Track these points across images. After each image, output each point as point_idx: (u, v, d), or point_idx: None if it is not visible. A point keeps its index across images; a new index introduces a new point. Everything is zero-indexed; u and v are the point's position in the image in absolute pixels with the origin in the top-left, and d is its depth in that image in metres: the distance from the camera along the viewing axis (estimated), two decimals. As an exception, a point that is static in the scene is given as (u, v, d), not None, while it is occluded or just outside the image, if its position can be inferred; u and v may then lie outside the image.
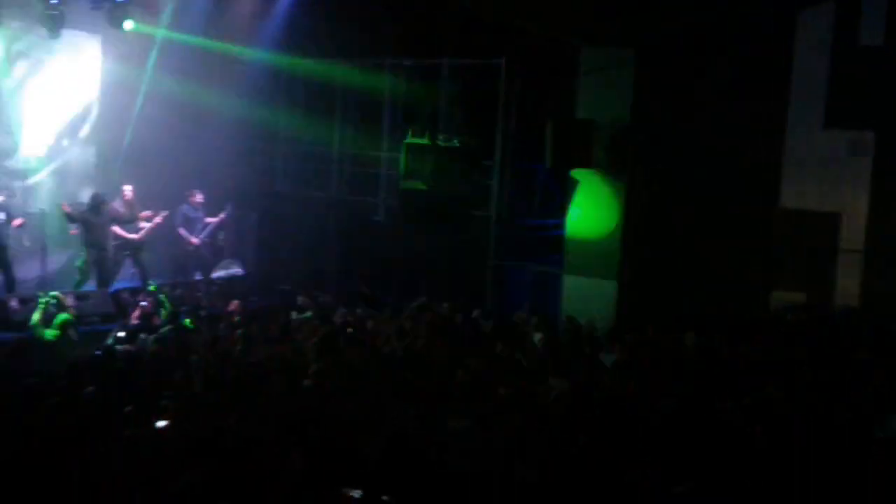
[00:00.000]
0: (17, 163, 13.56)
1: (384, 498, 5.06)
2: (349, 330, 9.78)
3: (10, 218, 11.77)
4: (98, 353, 8.89)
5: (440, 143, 12.89)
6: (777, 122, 11.71)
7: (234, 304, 11.22)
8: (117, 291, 11.83)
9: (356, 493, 5.05)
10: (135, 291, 11.73)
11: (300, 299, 11.34)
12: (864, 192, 11.33)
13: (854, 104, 11.36)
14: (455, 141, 13.16)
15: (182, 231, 13.54)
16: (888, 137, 11.25)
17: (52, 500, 5.28)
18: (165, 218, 12.98)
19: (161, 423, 6.66)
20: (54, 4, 12.00)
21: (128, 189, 12.70)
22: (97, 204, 12.19)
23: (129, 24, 12.69)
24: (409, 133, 13.61)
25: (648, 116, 11.50)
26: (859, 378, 7.45)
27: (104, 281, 12.07)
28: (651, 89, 11.55)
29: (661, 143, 11.62)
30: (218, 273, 13.64)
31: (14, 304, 10.71)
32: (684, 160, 11.48)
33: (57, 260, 12.70)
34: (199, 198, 13.73)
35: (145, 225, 12.75)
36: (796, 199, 11.66)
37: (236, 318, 10.46)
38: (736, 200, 11.41)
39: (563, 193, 12.88)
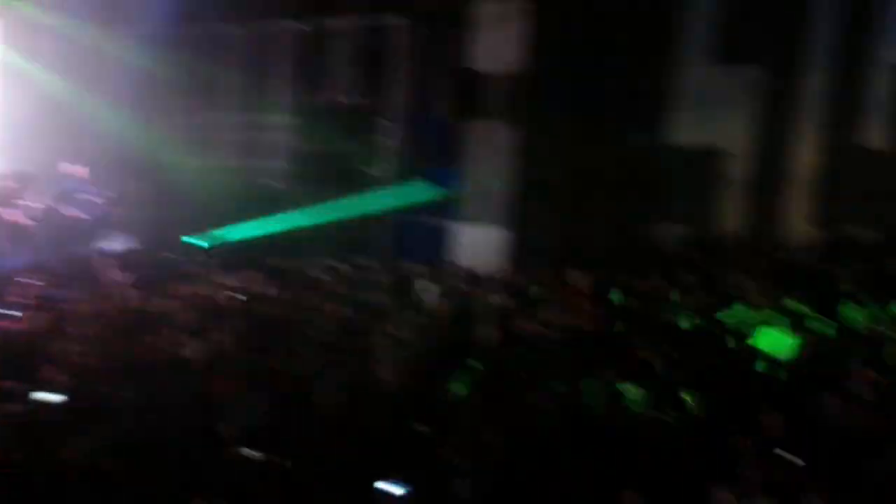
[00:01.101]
0: None
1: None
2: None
3: None
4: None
5: (336, 103, 12.77)
6: (664, 59, 11.86)
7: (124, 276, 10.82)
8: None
9: None
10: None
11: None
12: (746, 125, 11.59)
13: (739, 39, 11.58)
14: (351, 101, 13.05)
15: (64, 206, 13.02)
16: (772, 72, 11.52)
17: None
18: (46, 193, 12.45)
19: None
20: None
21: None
22: None
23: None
24: (304, 95, 13.48)
25: (535, 64, 11.50)
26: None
27: None
28: (541, 38, 11.56)
29: (551, 90, 11.64)
30: (110, 246, 13.14)
31: None
32: (573, 105, 11.53)
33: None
34: (82, 173, 13.20)
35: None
36: (681, 134, 11.83)
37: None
38: (623, 139, 11.60)
39: (456, 146, 12.87)
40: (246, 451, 5.42)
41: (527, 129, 11.63)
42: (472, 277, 9.92)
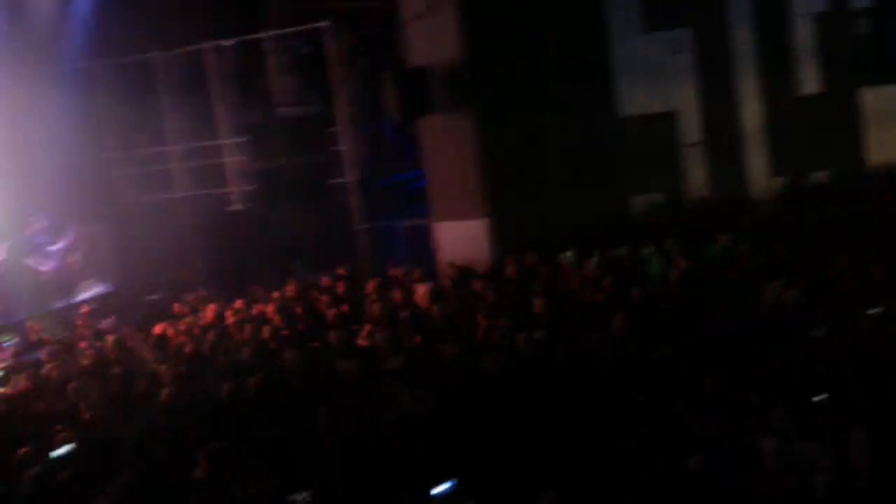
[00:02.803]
0: None
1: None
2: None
3: None
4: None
5: (282, 116, 12.74)
6: (599, 32, 12.17)
7: (106, 323, 10.83)
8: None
9: None
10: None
11: (176, 307, 11.08)
12: (691, 87, 12.04)
13: (668, 5, 11.98)
14: (297, 112, 13.03)
15: (29, 261, 12.82)
16: (703, 33, 11.97)
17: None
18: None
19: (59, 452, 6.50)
20: None
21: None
22: None
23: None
24: (248, 113, 13.39)
25: (475, 51, 11.65)
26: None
27: None
28: (473, 25, 11.69)
29: (494, 75, 11.81)
30: (83, 295, 13.03)
31: None
32: (520, 87, 11.74)
33: None
34: (40, 224, 13.00)
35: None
36: (632, 104, 12.20)
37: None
38: (578, 116, 11.78)
39: (413, 145, 13.00)
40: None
41: (479, 117, 11.78)
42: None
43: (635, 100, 12.16)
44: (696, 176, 12.02)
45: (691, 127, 12.06)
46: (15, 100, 13.16)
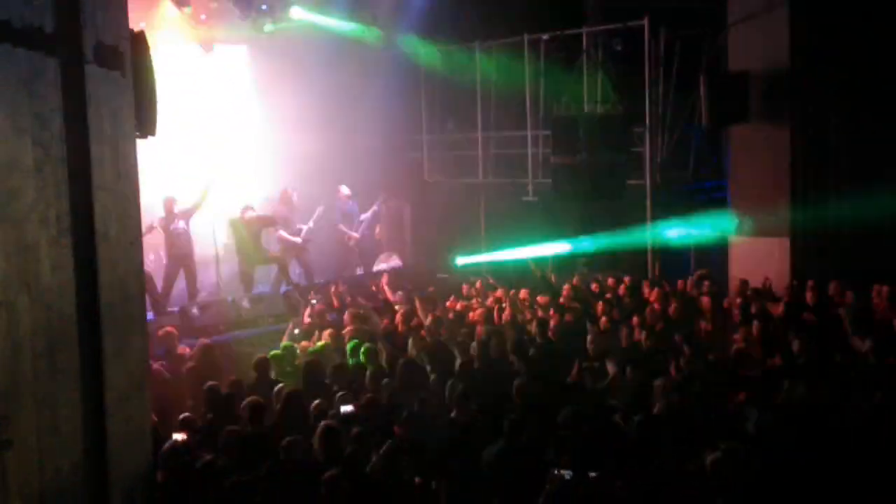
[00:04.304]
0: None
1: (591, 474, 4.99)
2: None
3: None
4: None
5: (588, 113, 12.63)
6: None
7: (397, 296, 11.40)
8: (287, 292, 12.20)
9: (567, 474, 5.02)
10: (303, 291, 12.05)
11: (464, 287, 11.45)
12: None
13: None
14: (604, 110, 12.85)
15: (342, 227, 13.82)
16: None
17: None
18: (322, 215, 13.28)
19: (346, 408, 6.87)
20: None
21: (291, 191, 13.09)
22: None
23: (269, 27, 12.99)
24: (556, 107, 13.43)
25: (808, 59, 10.82)
26: None
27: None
28: (809, 29, 10.87)
29: (824, 87, 10.92)
30: (379, 266, 13.85)
31: (195, 310, 11.23)
32: (849, 102, 10.75)
33: (229, 267, 13.13)
34: (345, 192, 13.94)
35: (303, 227, 13.07)
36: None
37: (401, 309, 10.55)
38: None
39: (718, 154, 12.38)
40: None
41: (798, 130, 10.98)
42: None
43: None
44: None
45: None
46: (350, 76, 14.16)
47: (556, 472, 5.11)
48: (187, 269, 12.06)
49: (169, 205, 11.85)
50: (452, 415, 6.66)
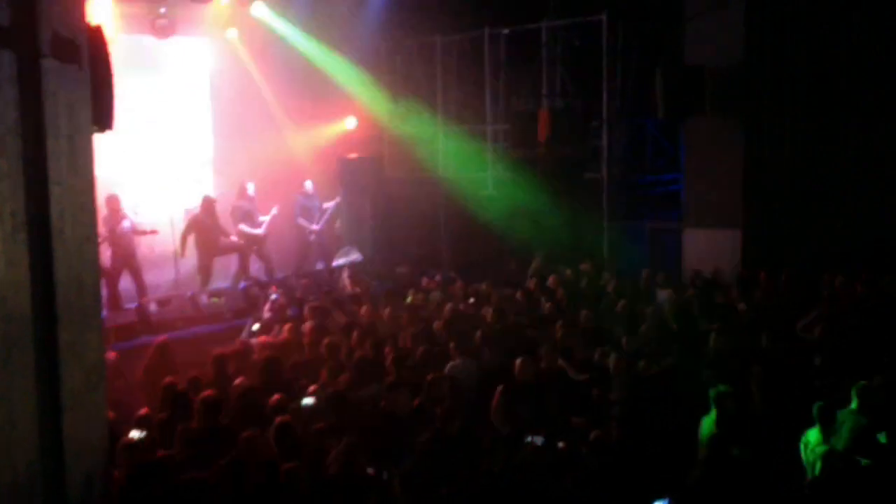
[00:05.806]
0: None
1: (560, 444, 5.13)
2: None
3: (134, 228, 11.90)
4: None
5: (546, 107, 12.72)
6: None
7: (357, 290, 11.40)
8: (247, 287, 12.13)
9: (538, 440, 5.13)
10: (263, 285, 11.99)
11: (424, 280, 11.44)
12: None
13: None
14: (562, 104, 12.96)
15: (301, 221, 13.73)
16: None
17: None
18: (282, 210, 13.20)
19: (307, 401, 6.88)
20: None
21: (250, 185, 12.98)
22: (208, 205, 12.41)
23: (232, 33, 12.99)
24: (514, 101, 13.51)
25: (762, 54, 11.00)
26: None
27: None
28: (763, 24, 11.05)
29: (778, 82, 11.11)
30: (338, 260, 13.81)
31: (153, 306, 11.13)
32: (802, 96, 10.95)
33: (189, 263, 12.96)
34: (308, 186, 13.90)
35: (264, 220, 12.97)
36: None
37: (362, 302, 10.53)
38: (862, 133, 10.80)
39: (674, 147, 12.55)
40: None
41: (751, 124, 11.18)
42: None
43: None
44: None
45: None
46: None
47: (529, 439, 5.21)
48: (131, 268, 11.74)
49: (113, 203, 11.48)
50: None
